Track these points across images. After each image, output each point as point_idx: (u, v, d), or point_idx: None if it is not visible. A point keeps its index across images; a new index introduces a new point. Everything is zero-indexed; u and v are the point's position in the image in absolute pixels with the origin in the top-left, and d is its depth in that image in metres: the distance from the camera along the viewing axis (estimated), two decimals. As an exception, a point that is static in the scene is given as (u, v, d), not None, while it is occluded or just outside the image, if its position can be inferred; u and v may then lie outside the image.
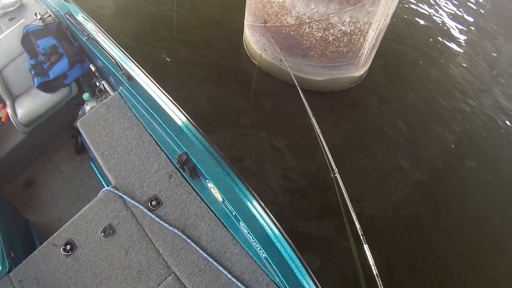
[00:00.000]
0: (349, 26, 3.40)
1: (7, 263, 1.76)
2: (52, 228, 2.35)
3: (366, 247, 1.61)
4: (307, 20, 3.40)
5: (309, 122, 2.35)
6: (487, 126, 4.36)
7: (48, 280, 1.64)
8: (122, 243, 1.71)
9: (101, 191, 1.86)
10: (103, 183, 2.52)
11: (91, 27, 2.32)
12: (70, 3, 2.49)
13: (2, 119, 2.61)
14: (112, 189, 1.83)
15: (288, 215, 3.22)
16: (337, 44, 3.60)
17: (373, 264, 1.53)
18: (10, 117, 2.48)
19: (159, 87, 1.99)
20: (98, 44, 2.19)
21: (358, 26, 3.41)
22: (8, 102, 2.53)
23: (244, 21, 4.24)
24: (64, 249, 1.69)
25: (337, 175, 1.87)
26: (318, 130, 2.05)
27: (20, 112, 2.49)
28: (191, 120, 1.85)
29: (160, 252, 1.69)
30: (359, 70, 4.16)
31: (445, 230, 3.37)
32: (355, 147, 3.83)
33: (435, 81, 4.68)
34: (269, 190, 3.33)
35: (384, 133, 3.98)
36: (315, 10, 3.29)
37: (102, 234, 1.73)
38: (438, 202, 3.54)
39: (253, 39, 4.21)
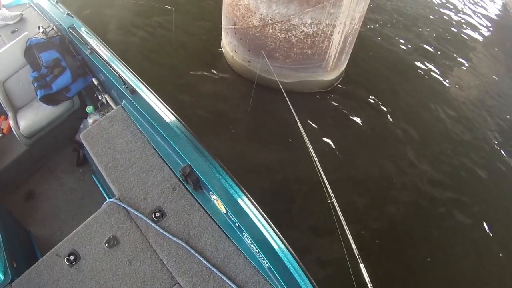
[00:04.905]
0: (311, 28, 3.44)
1: (10, 273, 1.76)
2: (53, 240, 2.35)
3: (362, 266, 1.64)
4: (270, 21, 3.47)
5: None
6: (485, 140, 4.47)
7: None
8: (126, 254, 1.73)
9: (105, 202, 1.88)
10: (105, 196, 2.54)
11: (94, 41, 2.36)
12: (73, 17, 2.54)
13: (4, 131, 2.64)
14: (116, 201, 1.85)
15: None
16: (300, 46, 3.65)
17: (369, 282, 1.56)
18: (12, 129, 2.51)
19: (162, 101, 2.03)
20: (101, 58, 2.23)
21: (321, 28, 3.45)
22: (10, 114, 2.55)
23: (221, 25, 4.35)
24: (68, 260, 1.70)
25: (334, 201, 1.85)
26: (315, 158, 2.01)
27: (22, 124, 2.51)
28: (194, 134, 1.89)
29: (164, 262, 1.71)
30: (329, 74, 4.18)
31: (441, 247, 3.38)
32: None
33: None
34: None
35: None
36: (277, 11, 3.36)
37: (106, 245, 1.75)
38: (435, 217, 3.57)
39: (226, 41, 4.32)
